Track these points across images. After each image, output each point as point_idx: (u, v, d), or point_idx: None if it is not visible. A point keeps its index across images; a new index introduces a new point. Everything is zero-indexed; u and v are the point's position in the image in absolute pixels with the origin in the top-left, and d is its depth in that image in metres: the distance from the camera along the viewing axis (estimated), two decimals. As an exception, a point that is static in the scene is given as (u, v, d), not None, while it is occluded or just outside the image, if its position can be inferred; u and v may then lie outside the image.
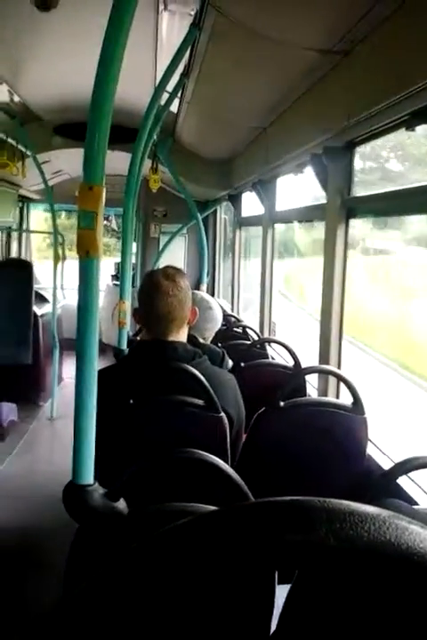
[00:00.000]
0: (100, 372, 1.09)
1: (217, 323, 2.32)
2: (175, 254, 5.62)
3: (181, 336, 1.67)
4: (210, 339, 2.33)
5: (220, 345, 2.46)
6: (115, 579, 0.30)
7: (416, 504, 1.61)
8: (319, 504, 0.30)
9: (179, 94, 2.82)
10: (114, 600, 0.29)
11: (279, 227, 3.81)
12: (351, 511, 0.30)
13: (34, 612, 2.06)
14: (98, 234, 0.99)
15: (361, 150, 2.27)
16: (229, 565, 0.29)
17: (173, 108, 3.21)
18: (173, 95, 2.64)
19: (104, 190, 1.01)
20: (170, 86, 2.42)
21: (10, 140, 3.66)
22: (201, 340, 2.19)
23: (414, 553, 0.29)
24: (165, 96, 2.60)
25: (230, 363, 2.20)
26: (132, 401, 1.52)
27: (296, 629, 0.50)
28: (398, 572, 0.29)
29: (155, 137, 2.98)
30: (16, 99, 3.38)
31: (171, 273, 1.67)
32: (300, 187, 3.13)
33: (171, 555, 0.29)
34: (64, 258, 5.30)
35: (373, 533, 0.29)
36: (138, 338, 2.56)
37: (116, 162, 3.44)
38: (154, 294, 1.63)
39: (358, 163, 2.24)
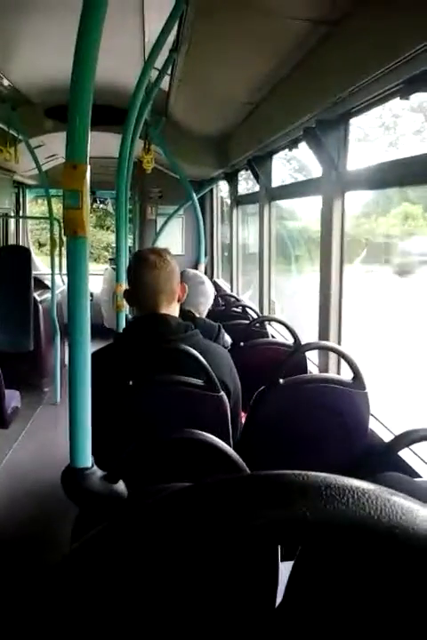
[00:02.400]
0: (96, 353, 1.08)
1: (209, 297, 2.39)
2: (173, 236, 5.59)
3: (172, 311, 1.67)
4: (205, 313, 2.37)
5: (219, 324, 2.46)
6: (102, 560, 0.29)
7: (419, 476, 1.61)
8: (295, 478, 0.29)
9: (169, 71, 2.78)
10: (106, 580, 0.29)
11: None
12: (328, 484, 0.29)
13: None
14: (84, 213, 0.98)
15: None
16: (208, 542, 0.28)
17: (164, 85, 3.16)
18: (162, 72, 2.60)
19: (89, 169, 0.99)
20: (159, 63, 2.37)
21: (1, 125, 3.62)
22: (197, 315, 2.20)
23: (396, 525, 0.28)
24: (155, 73, 2.55)
25: (228, 338, 2.20)
26: (131, 382, 1.51)
27: (301, 603, 0.50)
28: (379, 546, 0.28)
29: (146, 116, 2.94)
30: (6, 82, 3.34)
31: (157, 249, 1.72)
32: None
33: (147, 533, 0.29)
34: (61, 243, 5.26)
35: (351, 507, 0.28)
36: None
37: (108, 144, 3.40)
38: (141, 269, 1.65)
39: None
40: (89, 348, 1.04)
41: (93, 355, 1.09)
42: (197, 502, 0.29)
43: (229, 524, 0.28)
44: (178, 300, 1.70)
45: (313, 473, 0.30)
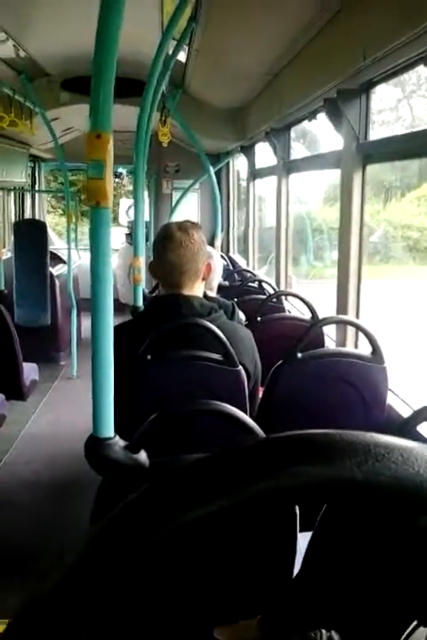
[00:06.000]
0: (116, 328, 1.08)
1: (218, 273, 2.41)
2: (188, 210, 5.55)
3: (196, 290, 1.66)
4: (215, 289, 2.37)
5: (236, 300, 2.45)
6: (129, 523, 0.29)
7: None
8: (339, 437, 0.29)
9: (187, 42, 2.73)
10: (130, 547, 0.29)
11: None
12: (376, 442, 0.28)
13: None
14: (107, 183, 0.97)
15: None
16: (251, 504, 0.28)
17: (182, 57, 3.11)
18: (180, 43, 2.55)
19: (112, 138, 0.98)
20: (177, 34, 2.33)
21: (17, 96, 3.59)
22: (210, 294, 2.19)
23: None
24: (173, 44, 2.51)
25: (242, 315, 2.20)
26: (149, 357, 1.53)
27: (319, 570, 0.51)
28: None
29: (163, 88, 2.90)
30: (22, 54, 3.30)
31: (185, 225, 1.66)
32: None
33: (191, 491, 0.29)
34: (77, 217, 5.26)
35: (400, 465, 0.27)
36: (154, 294, 2.57)
37: (125, 117, 3.36)
38: (166, 245, 1.62)
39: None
40: (111, 319, 1.04)
41: (114, 329, 1.10)
42: (242, 461, 0.29)
43: (273, 483, 0.27)
44: (203, 279, 1.68)
45: (358, 432, 0.29)
